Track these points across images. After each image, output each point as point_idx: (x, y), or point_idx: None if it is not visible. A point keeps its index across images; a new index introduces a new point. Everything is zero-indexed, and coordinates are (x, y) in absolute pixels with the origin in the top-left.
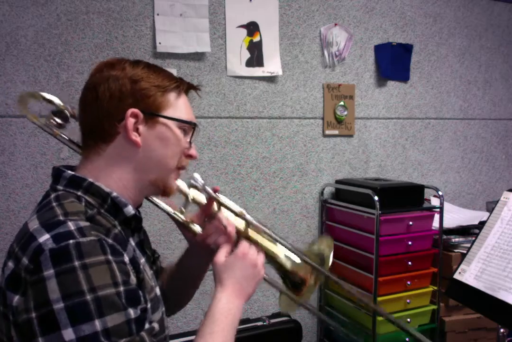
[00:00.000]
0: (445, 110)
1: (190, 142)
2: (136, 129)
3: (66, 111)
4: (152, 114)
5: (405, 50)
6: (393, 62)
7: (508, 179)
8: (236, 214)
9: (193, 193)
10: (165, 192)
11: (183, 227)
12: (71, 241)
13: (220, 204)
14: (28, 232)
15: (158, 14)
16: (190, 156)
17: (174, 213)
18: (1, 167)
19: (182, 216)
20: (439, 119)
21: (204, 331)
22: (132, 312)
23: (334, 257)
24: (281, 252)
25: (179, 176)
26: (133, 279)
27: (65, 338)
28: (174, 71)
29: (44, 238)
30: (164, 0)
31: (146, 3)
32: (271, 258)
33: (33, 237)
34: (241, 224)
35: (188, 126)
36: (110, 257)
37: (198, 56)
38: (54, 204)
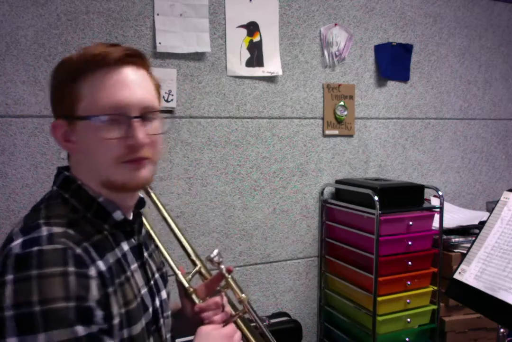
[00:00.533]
0: (445, 110)
1: (117, 133)
2: (68, 137)
3: None
4: (68, 118)
5: (405, 50)
6: (393, 62)
7: (508, 179)
8: (240, 299)
9: (201, 265)
10: (119, 189)
11: (185, 294)
12: (35, 248)
13: (228, 285)
14: (10, 234)
15: (158, 14)
16: (131, 147)
17: (181, 278)
18: (1, 167)
19: (185, 283)
20: (439, 119)
21: None
22: (81, 330)
23: (334, 257)
24: None
25: (132, 167)
26: (94, 294)
27: None
28: (174, 71)
29: (17, 242)
30: (164, 0)
31: (146, 3)
32: None
33: (11, 239)
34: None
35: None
36: (69, 269)
37: (198, 56)
38: (42, 205)
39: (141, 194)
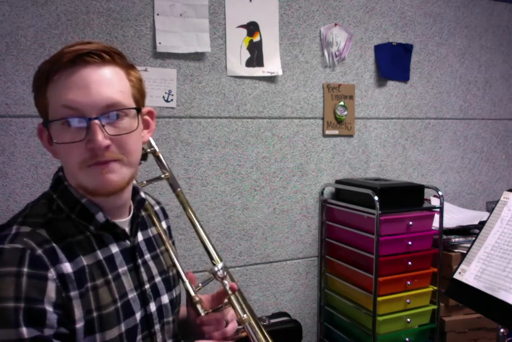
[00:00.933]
0: (445, 110)
1: (87, 134)
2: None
3: None
4: (44, 123)
5: (405, 50)
6: (393, 62)
7: (508, 179)
8: (240, 319)
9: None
10: (91, 193)
11: (190, 303)
12: None
13: (230, 302)
14: None
15: (158, 14)
16: (91, 151)
17: (188, 286)
18: (1, 167)
19: (192, 291)
20: (439, 119)
21: None
22: (25, 332)
23: (334, 257)
24: None
25: (97, 170)
26: (51, 296)
27: None
28: (174, 71)
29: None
30: (164, 0)
31: (146, 3)
32: None
33: None
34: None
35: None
36: (24, 270)
37: (198, 56)
38: (30, 204)
39: (143, 194)
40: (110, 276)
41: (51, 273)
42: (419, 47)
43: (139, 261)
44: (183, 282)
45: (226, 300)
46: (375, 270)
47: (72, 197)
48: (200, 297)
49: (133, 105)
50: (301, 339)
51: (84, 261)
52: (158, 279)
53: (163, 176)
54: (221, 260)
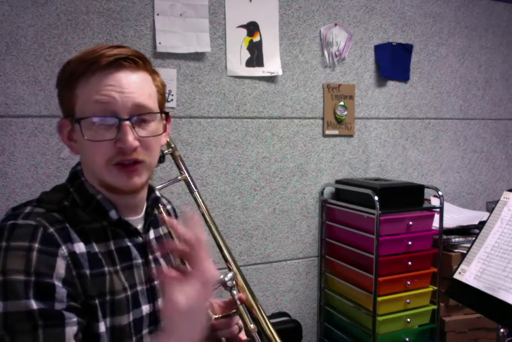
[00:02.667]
0: (445, 110)
1: (118, 133)
2: (72, 137)
3: None
4: (69, 118)
5: (405, 50)
6: (393, 62)
7: (508, 179)
8: (247, 328)
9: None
10: (113, 191)
11: None
12: (10, 222)
13: (238, 312)
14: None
15: (158, 14)
16: (120, 150)
17: None
18: (1, 167)
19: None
20: (439, 119)
21: None
22: (34, 304)
23: (334, 257)
24: None
25: (126, 169)
26: (60, 272)
27: None
28: (174, 71)
29: (2, 217)
30: (164, 0)
31: (146, 3)
32: None
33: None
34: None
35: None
36: (35, 245)
37: (198, 56)
38: (46, 191)
39: (158, 193)
40: (119, 267)
41: (62, 251)
42: (419, 47)
43: (150, 256)
44: None
45: (234, 310)
46: (375, 270)
47: (88, 193)
48: (211, 301)
49: (158, 110)
50: (301, 339)
51: (96, 247)
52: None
53: (179, 177)
54: (234, 268)
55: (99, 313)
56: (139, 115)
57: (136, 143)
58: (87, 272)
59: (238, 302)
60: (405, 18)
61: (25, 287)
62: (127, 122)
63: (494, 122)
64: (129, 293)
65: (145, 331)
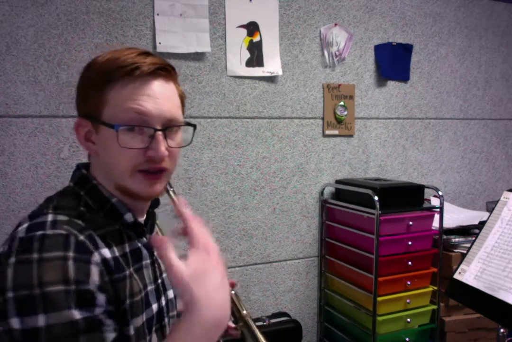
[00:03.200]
0: (445, 110)
1: (150, 142)
2: (90, 137)
3: None
4: (92, 119)
5: (405, 50)
6: (393, 62)
7: (508, 179)
8: (240, 316)
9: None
10: (131, 196)
11: None
12: (38, 232)
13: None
14: (20, 221)
15: (158, 14)
16: (150, 158)
17: None
18: (1, 167)
19: None
20: (439, 119)
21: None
22: (77, 313)
23: (334, 257)
24: None
25: (149, 177)
26: (95, 279)
27: (13, 326)
28: None
29: (23, 226)
30: (164, 0)
31: (146, 3)
32: None
33: (19, 224)
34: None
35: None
36: (70, 254)
37: (198, 56)
38: (55, 196)
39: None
40: (133, 269)
41: (96, 257)
42: (419, 47)
43: (155, 256)
44: None
45: None
46: (375, 270)
47: (102, 195)
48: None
49: (183, 120)
50: (301, 339)
51: (116, 251)
52: (165, 274)
53: None
54: None
55: (129, 316)
56: (172, 126)
57: (166, 152)
58: (116, 276)
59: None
60: (405, 18)
61: (65, 297)
62: (160, 133)
63: (494, 122)
64: (143, 294)
65: (153, 329)
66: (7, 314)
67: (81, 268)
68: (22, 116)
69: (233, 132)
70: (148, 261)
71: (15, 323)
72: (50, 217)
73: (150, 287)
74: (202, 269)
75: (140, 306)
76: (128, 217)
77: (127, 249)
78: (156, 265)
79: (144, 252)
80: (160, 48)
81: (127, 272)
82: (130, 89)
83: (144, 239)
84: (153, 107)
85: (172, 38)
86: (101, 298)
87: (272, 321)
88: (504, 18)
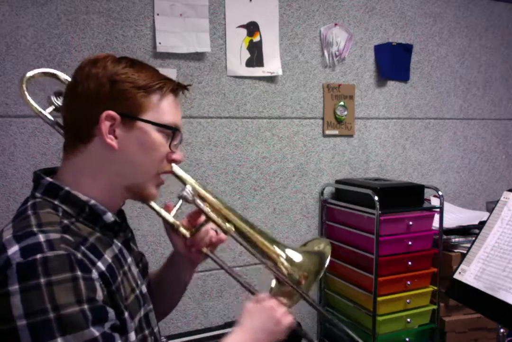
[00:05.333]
0: (445, 110)
1: (172, 146)
2: (113, 132)
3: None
4: (129, 117)
5: (405, 50)
6: (393, 62)
7: (508, 179)
8: (224, 230)
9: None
10: (143, 198)
11: (172, 229)
12: (38, 256)
13: (210, 219)
14: (0, 242)
15: (158, 14)
16: (173, 161)
17: (163, 214)
18: (1, 167)
19: (170, 218)
20: (439, 119)
21: None
22: (95, 331)
23: (334, 257)
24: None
25: (161, 181)
26: (100, 295)
27: None
28: (174, 72)
29: (13, 250)
30: (164, 0)
31: (146, 3)
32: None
33: (4, 248)
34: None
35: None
36: (78, 273)
37: (198, 56)
38: (29, 212)
39: None
40: (126, 267)
41: (94, 274)
42: (419, 47)
43: (134, 250)
44: (158, 212)
45: (204, 218)
46: (375, 270)
47: (79, 200)
48: (179, 221)
49: None
50: (301, 339)
51: (108, 258)
52: (134, 269)
53: None
54: (190, 182)
55: (129, 324)
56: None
57: None
58: (112, 289)
59: (208, 209)
60: (405, 18)
61: (83, 317)
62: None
63: (494, 122)
64: (137, 292)
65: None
66: None
67: (89, 286)
68: (22, 116)
69: (233, 132)
70: (130, 259)
71: None
72: (42, 237)
73: (134, 284)
74: (256, 312)
75: (135, 305)
76: (108, 217)
77: (116, 250)
78: (138, 259)
79: (125, 250)
80: (160, 48)
81: (119, 278)
82: (169, 101)
83: (121, 234)
84: (179, 119)
85: (172, 38)
86: (111, 311)
87: None
88: (504, 18)
